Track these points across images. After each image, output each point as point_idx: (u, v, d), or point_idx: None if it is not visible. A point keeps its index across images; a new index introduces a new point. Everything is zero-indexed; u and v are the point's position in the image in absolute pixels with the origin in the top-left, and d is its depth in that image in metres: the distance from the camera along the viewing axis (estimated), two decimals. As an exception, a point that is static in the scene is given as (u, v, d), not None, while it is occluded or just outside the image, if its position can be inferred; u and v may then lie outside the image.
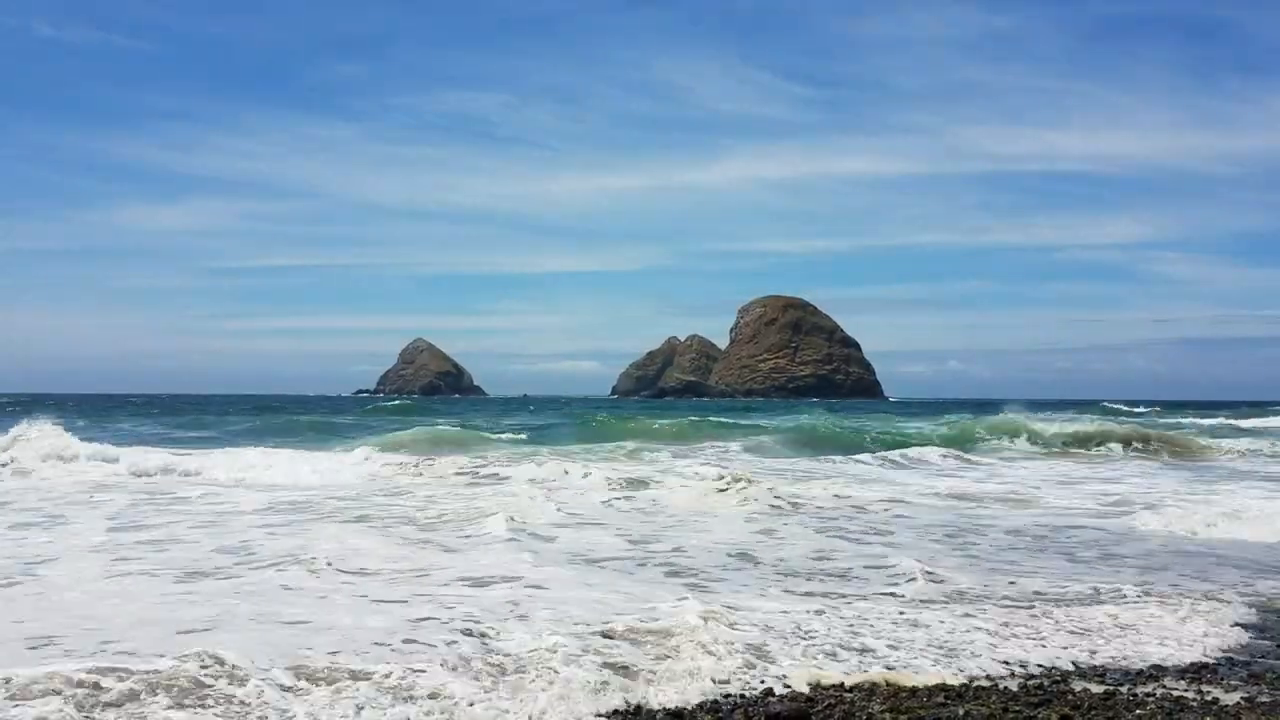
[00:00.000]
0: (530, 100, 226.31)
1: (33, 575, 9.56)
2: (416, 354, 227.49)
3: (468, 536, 12.45)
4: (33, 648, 6.79)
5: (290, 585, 9.08)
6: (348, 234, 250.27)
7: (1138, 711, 6.01)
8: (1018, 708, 6.05)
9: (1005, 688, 6.49)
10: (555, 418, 52.56)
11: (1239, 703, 6.18)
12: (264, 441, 29.08)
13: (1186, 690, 6.44)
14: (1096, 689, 6.45)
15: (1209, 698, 6.29)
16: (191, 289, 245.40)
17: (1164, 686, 6.55)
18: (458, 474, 21.36)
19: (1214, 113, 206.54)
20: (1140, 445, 32.35)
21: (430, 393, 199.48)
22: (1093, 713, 5.99)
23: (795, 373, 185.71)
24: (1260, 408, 75.46)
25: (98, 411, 58.12)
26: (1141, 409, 67.32)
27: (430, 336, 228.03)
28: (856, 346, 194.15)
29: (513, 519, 13.50)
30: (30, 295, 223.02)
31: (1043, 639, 7.62)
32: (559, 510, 15.07)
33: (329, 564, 10.00)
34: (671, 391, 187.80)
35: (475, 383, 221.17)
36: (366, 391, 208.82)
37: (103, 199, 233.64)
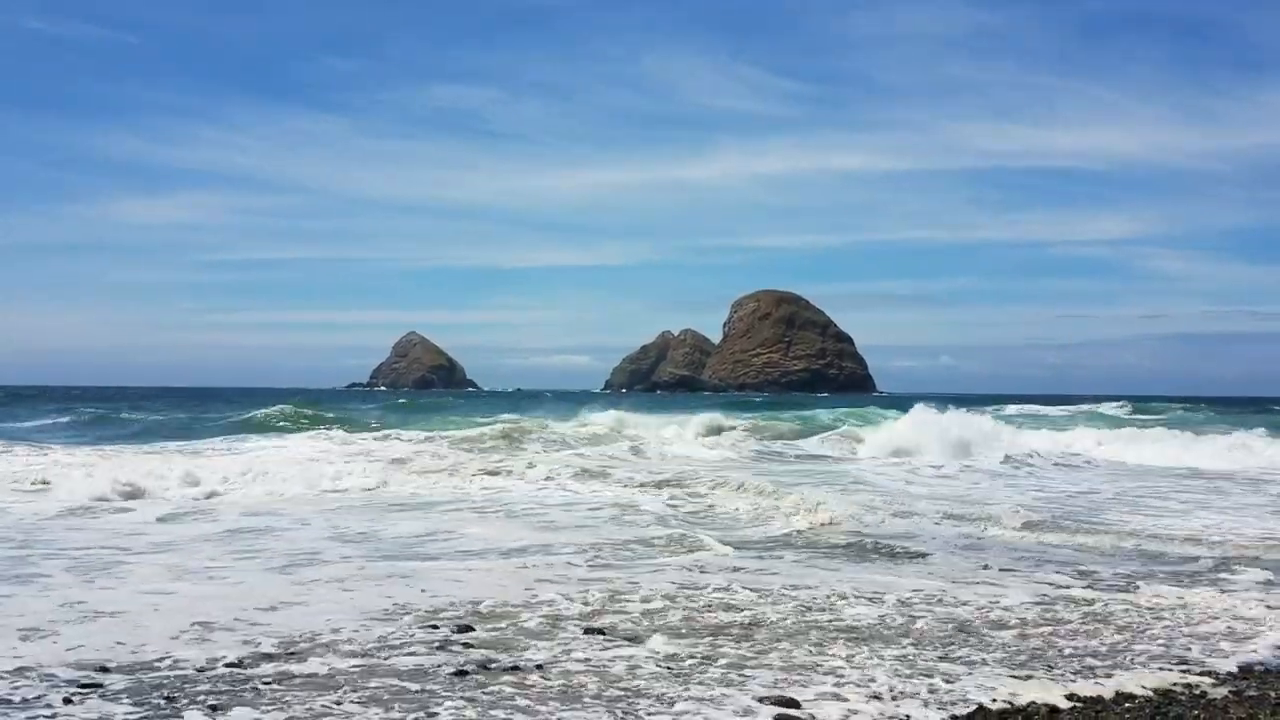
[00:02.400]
0: (522, 95, 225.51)
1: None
2: (410, 347, 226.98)
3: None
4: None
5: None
6: (338, 228, 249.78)
7: (1126, 705, 6.05)
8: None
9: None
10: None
11: (1226, 696, 6.22)
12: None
13: (1174, 684, 6.48)
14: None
15: (1197, 691, 6.33)
16: (181, 283, 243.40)
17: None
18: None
19: (1204, 109, 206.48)
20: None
21: (423, 386, 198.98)
22: (1081, 706, 6.03)
23: (788, 367, 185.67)
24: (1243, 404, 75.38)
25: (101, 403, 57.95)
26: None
27: (422, 331, 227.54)
28: (849, 341, 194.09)
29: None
30: (18, 289, 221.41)
31: None
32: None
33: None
34: (665, 386, 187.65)
35: (468, 376, 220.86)
36: (360, 385, 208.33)
37: (92, 193, 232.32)
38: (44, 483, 16.80)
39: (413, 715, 5.67)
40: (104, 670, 6.39)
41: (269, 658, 6.76)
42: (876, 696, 6.14)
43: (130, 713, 5.64)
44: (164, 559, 10.58)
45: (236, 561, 10.51)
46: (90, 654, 6.75)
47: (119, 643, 7.04)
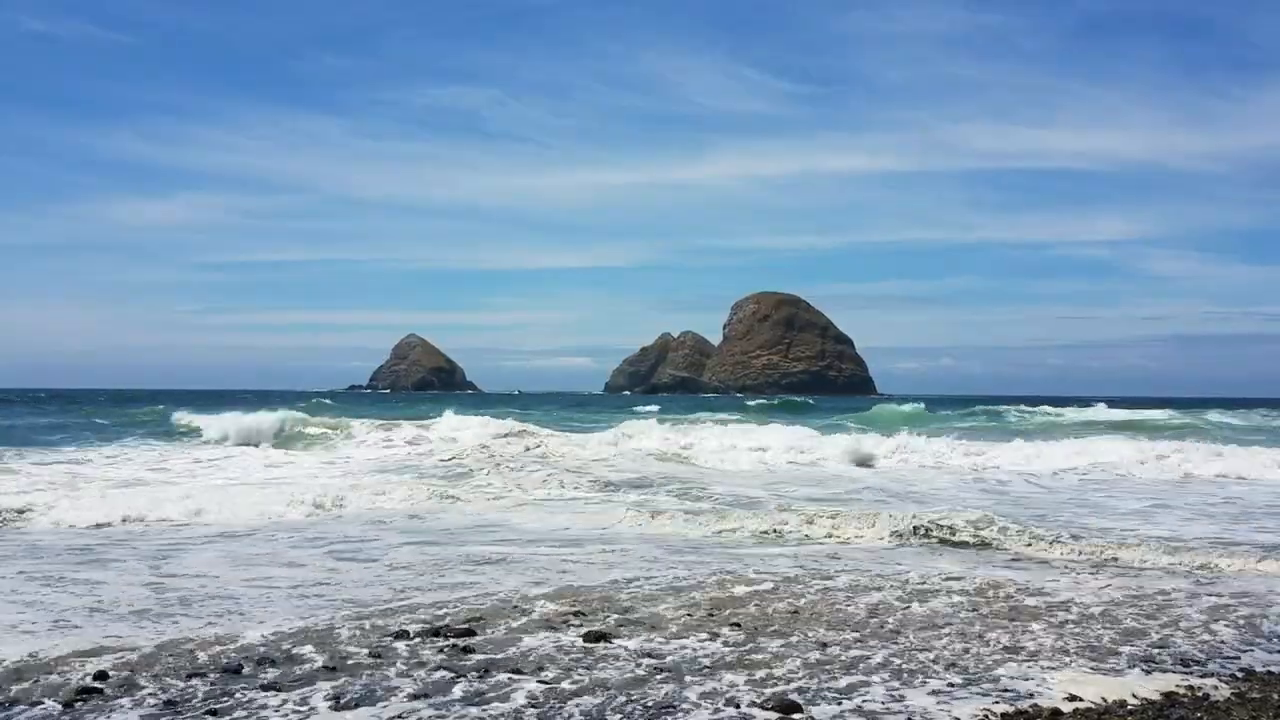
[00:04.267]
0: (519, 95, 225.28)
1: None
2: (409, 349, 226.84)
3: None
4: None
5: None
6: (336, 229, 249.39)
7: (1129, 706, 6.04)
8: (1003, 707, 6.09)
9: (998, 683, 6.52)
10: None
11: (1229, 698, 6.22)
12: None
13: (1177, 685, 6.48)
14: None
15: (1200, 693, 6.32)
16: (179, 283, 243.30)
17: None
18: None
19: (1202, 110, 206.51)
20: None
21: (423, 388, 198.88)
22: (1083, 708, 6.02)
23: (789, 369, 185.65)
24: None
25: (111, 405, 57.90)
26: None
27: (421, 332, 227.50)
28: (850, 343, 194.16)
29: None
30: (17, 289, 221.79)
31: None
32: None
33: None
34: (665, 388, 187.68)
35: (468, 379, 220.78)
36: (360, 387, 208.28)
37: (90, 193, 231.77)
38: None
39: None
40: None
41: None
42: (892, 695, 6.15)
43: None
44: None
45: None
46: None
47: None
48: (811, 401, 75.96)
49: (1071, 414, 46.42)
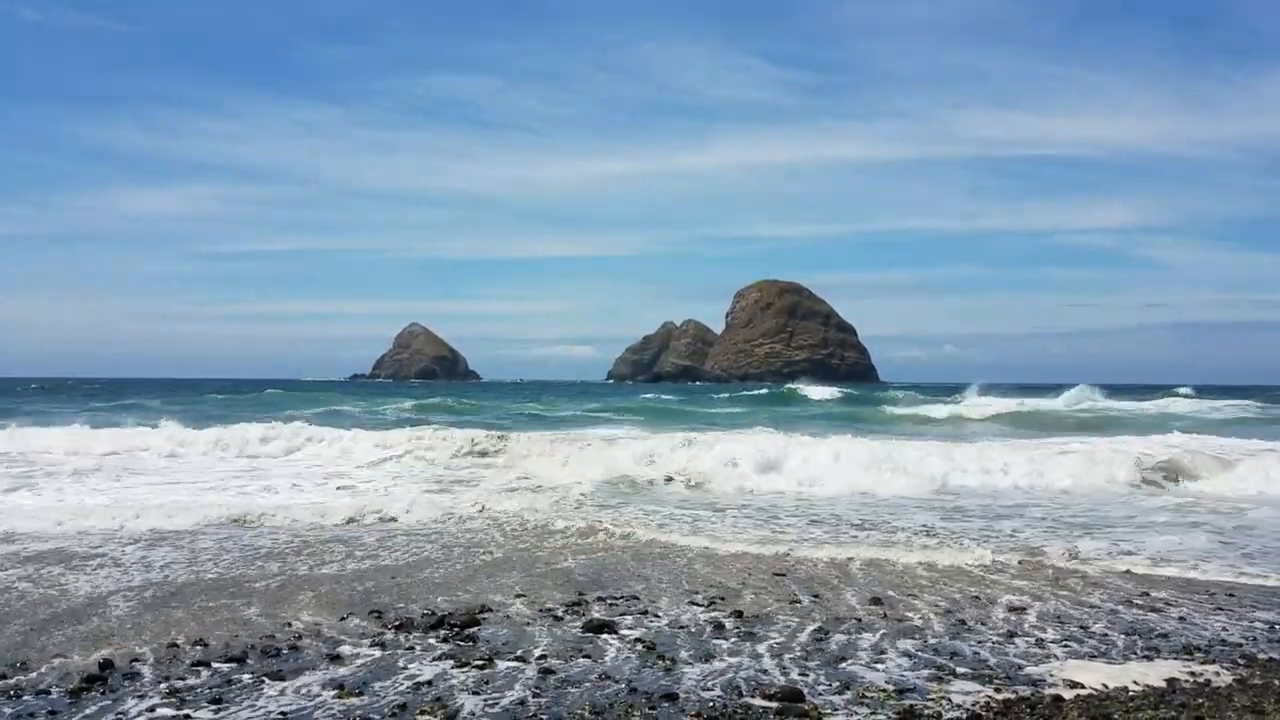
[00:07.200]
0: (518, 84, 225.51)
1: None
2: (412, 338, 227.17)
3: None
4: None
5: None
6: (336, 219, 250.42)
7: (1130, 693, 6.05)
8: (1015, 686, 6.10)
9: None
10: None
11: (1231, 684, 6.22)
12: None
13: (1179, 672, 6.49)
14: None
15: (1201, 679, 6.33)
16: (179, 274, 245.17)
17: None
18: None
19: (1205, 97, 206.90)
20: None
21: (426, 377, 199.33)
22: (1086, 694, 6.03)
23: (791, 357, 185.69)
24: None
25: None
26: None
27: (423, 322, 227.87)
28: (852, 331, 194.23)
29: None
30: (15, 280, 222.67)
31: None
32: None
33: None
34: (667, 376, 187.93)
35: (470, 368, 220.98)
36: (362, 376, 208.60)
37: (89, 183, 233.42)
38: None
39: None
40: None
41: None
42: (893, 682, 6.16)
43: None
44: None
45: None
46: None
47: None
48: (857, 393, 74.18)
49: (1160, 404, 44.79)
